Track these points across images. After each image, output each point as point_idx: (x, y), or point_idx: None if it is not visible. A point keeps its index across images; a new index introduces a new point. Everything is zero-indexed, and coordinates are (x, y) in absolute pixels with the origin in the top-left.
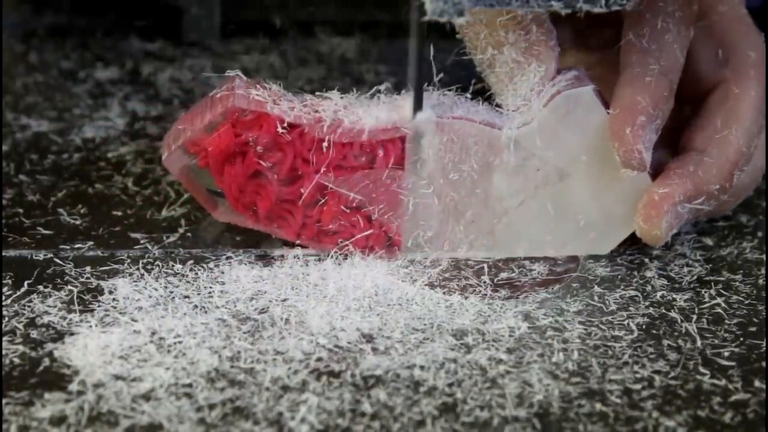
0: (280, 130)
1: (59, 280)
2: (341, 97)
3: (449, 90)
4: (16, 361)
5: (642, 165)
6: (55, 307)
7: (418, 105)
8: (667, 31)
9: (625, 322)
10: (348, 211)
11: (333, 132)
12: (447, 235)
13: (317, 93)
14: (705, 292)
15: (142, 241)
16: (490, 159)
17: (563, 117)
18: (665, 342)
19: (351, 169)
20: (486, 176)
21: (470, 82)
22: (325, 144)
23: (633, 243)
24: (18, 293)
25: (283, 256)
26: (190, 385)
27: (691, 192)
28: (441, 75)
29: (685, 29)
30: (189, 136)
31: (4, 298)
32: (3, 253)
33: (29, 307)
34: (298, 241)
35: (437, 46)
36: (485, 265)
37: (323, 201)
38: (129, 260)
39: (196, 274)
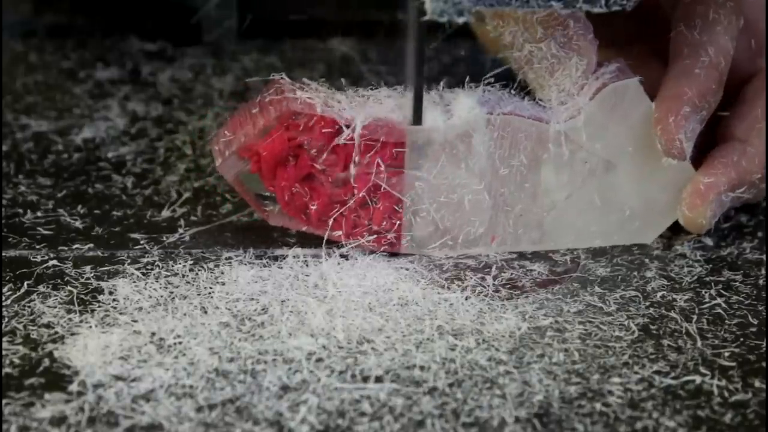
0: (342, 131)
1: (59, 280)
2: (389, 96)
3: (492, 86)
4: (16, 361)
5: (682, 154)
6: (55, 307)
7: (417, 107)
8: (718, 22)
9: (625, 322)
10: (400, 210)
11: (386, 132)
12: (497, 229)
13: (364, 91)
14: (705, 292)
15: (142, 241)
16: (538, 153)
17: (610, 109)
18: (665, 342)
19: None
20: (534, 170)
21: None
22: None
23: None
24: (18, 293)
25: (283, 256)
26: (190, 385)
27: (735, 181)
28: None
29: (735, 20)
30: (243, 142)
31: (4, 298)
32: (3, 253)
33: (29, 307)
34: (349, 243)
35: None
36: (486, 266)
37: (375, 201)
38: (129, 260)
39: (196, 274)
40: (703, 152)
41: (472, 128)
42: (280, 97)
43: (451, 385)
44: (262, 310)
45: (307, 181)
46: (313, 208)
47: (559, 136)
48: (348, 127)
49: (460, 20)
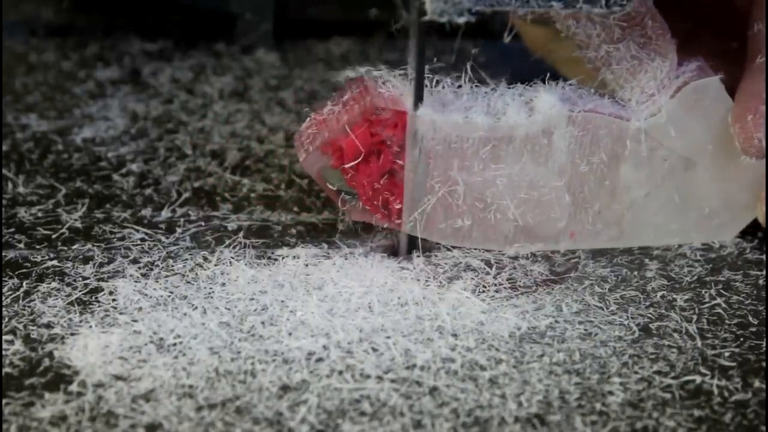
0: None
1: (59, 280)
2: (471, 88)
3: (569, 84)
4: (16, 361)
5: (761, 153)
6: (55, 307)
7: (418, 105)
8: None
9: (625, 322)
10: (481, 206)
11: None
12: (576, 226)
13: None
14: (705, 292)
15: (142, 242)
16: (618, 150)
17: (691, 107)
18: (665, 342)
19: None
20: (614, 167)
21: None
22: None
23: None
24: (18, 293)
25: (283, 256)
26: (190, 385)
27: None
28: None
29: None
30: (326, 137)
31: (4, 298)
32: (3, 253)
33: (29, 307)
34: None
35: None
36: (486, 266)
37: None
38: (129, 260)
39: (196, 274)
40: None
41: (554, 125)
42: (363, 92)
43: (450, 386)
44: (262, 310)
45: (389, 177)
46: (396, 204)
47: (639, 133)
48: None
49: (461, 20)
